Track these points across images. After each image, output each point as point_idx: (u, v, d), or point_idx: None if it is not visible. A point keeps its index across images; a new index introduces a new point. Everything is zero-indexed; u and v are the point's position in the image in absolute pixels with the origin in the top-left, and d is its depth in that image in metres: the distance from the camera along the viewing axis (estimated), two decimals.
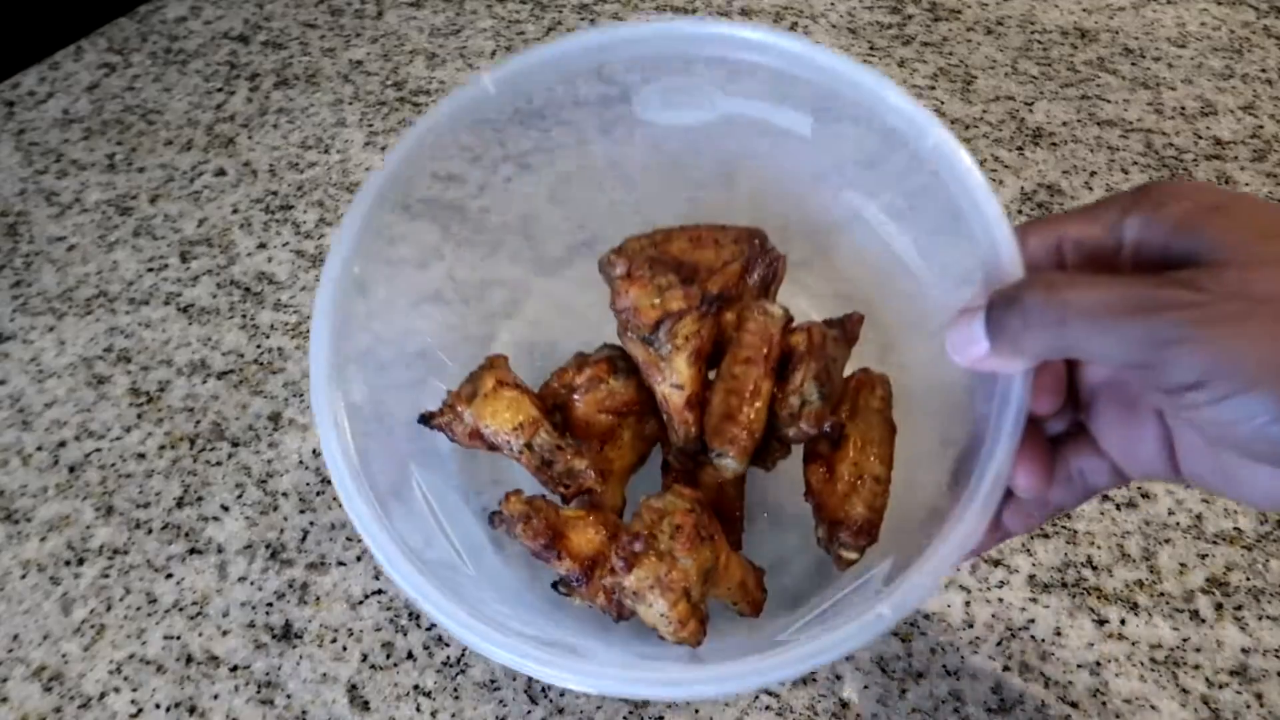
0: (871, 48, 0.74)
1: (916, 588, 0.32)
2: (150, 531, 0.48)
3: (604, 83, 0.44)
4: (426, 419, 0.42)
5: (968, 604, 0.46)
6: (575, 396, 0.43)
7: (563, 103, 0.45)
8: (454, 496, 0.45)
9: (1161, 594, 0.46)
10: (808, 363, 0.41)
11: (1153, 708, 0.43)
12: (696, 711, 0.43)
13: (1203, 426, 0.27)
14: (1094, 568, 0.47)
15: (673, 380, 0.41)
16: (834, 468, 0.41)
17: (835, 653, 0.32)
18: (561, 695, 0.43)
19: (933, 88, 0.71)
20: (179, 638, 0.45)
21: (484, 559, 0.43)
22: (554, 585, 0.39)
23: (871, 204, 0.46)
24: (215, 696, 0.43)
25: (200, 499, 0.49)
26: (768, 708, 0.43)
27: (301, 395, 0.53)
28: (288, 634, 0.45)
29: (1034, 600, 0.46)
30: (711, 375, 0.43)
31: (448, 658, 0.44)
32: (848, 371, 0.44)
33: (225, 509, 0.49)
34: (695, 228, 0.46)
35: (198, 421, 0.52)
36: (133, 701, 0.43)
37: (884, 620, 0.32)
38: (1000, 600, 0.46)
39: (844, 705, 0.43)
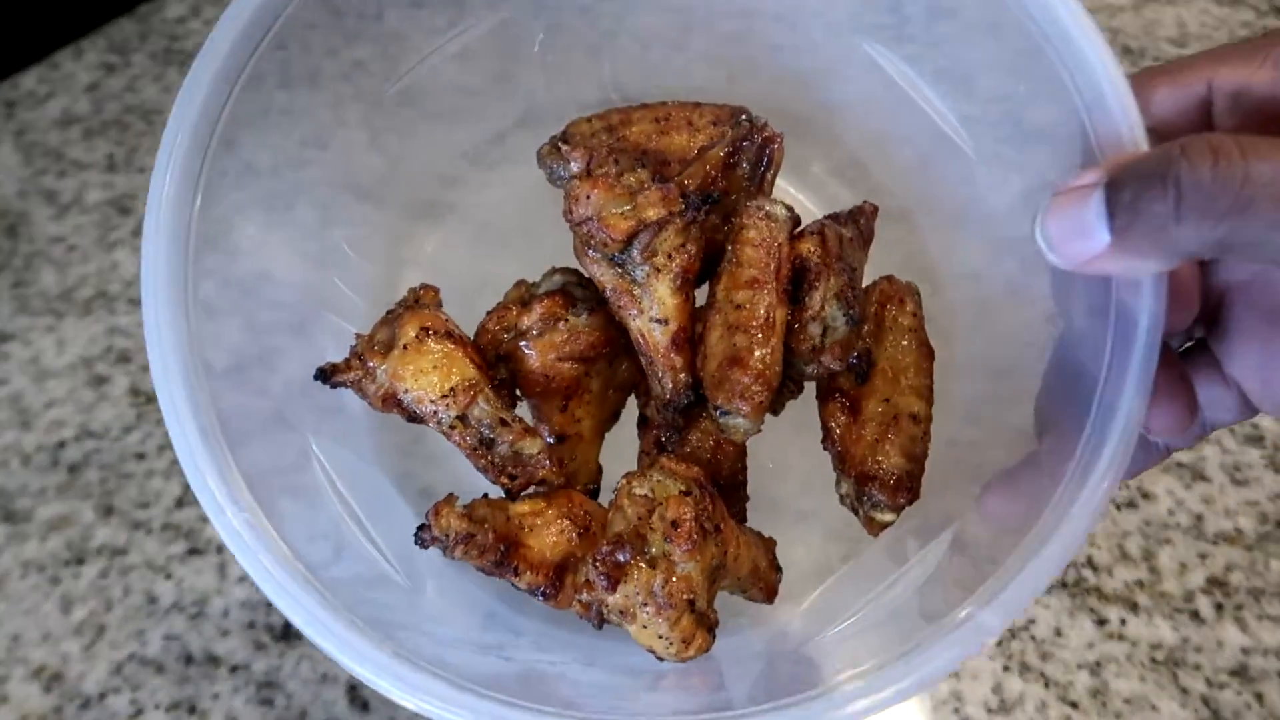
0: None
1: (1026, 587, 0.25)
2: (150, 532, 0.48)
3: None
4: (327, 374, 0.32)
5: None
6: (524, 344, 0.33)
7: None
8: (374, 474, 0.35)
9: (1161, 594, 0.46)
10: (826, 277, 0.31)
11: (1153, 708, 0.43)
12: None
13: None
14: (1094, 568, 0.47)
15: (653, 313, 0.31)
16: (859, 406, 0.32)
17: (925, 680, 0.25)
18: None
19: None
20: (179, 638, 0.45)
21: (419, 557, 0.33)
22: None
23: (897, 57, 0.36)
24: (215, 696, 0.43)
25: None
26: None
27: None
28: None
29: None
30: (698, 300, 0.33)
31: None
32: (865, 281, 0.35)
33: None
34: (661, 105, 0.36)
35: None
36: (132, 701, 0.43)
37: (984, 632, 0.25)
38: None
39: None
